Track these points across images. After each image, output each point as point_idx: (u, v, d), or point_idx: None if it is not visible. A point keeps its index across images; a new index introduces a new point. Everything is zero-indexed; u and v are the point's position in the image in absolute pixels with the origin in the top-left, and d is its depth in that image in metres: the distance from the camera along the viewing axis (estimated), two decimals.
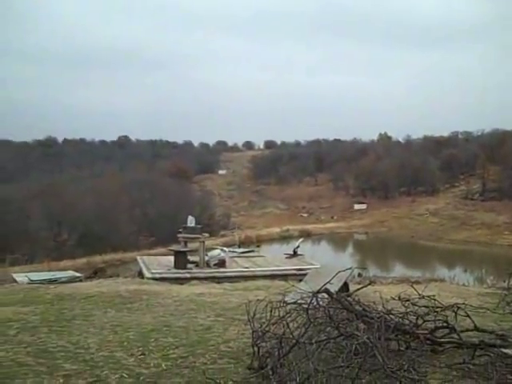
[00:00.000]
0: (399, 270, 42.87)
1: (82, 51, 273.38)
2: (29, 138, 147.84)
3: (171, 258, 20.52)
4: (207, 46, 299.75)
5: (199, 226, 21.56)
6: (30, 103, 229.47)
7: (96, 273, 17.99)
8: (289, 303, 5.95)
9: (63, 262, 39.61)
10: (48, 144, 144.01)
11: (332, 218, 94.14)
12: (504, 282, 14.33)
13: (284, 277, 16.89)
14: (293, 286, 8.23)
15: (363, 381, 4.89)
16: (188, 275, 18.27)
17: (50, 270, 22.88)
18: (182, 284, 14.79)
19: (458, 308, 6.55)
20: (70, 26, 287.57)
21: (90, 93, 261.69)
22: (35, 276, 17.04)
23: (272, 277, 16.93)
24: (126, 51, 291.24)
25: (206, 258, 20.37)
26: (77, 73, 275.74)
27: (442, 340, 6.28)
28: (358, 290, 7.31)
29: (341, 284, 8.92)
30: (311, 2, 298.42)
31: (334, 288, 7.18)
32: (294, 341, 5.26)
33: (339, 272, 7.78)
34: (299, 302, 5.90)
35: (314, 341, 5.12)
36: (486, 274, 28.03)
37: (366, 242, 76.62)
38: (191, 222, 21.02)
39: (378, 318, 5.76)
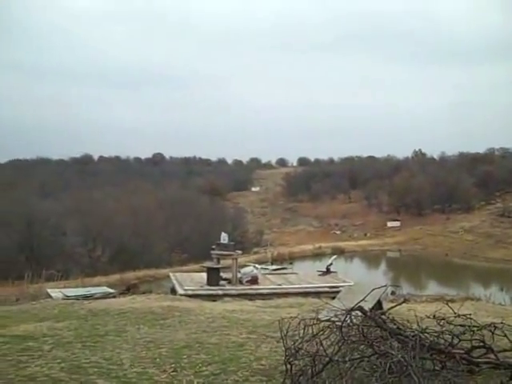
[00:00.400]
0: (433, 288, 42.27)
1: (107, 71, 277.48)
2: (66, 156, 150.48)
3: (204, 275, 20.57)
4: (238, 63, 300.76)
5: (232, 243, 21.58)
6: (65, 122, 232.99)
7: (129, 289, 18.05)
8: (322, 320, 5.90)
9: (97, 278, 39.93)
10: (84, 161, 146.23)
11: (365, 235, 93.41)
12: None
13: (317, 294, 16.80)
14: (326, 303, 8.15)
15: None
16: (220, 292, 18.28)
17: (83, 286, 23.07)
18: (214, 301, 14.81)
19: (496, 327, 6.41)
20: (100, 47, 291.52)
21: (122, 111, 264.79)
22: (70, 292, 17.22)
23: (305, 294, 16.83)
24: (153, 70, 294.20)
25: (239, 275, 20.37)
26: (108, 92, 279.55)
27: (479, 360, 6.14)
28: (392, 307, 7.22)
29: (374, 302, 8.81)
30: (343, 19, 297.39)
31: (367, 306, 7.10)
32: (327, 359, 5.21)
33: (374, 289, 7.69)
34: (333, 319, 5.84)
35: (347, 359, 5.06)
36: None
37: (400, 259, 75.80)
38: (224, 238, 21.04)
39: (413, 336, 5.67)
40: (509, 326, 6.76)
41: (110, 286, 25.10)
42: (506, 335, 6.46)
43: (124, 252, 52.90)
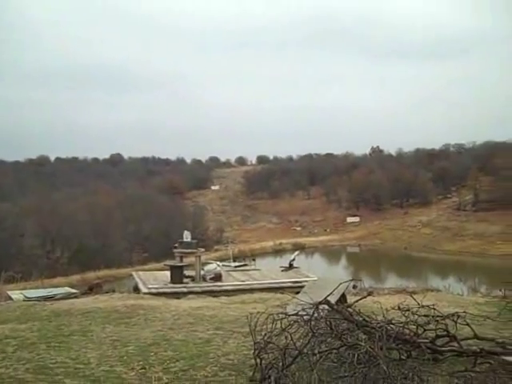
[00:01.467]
0: (393, 281, 42.80)
1: (74, 70, 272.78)
2: (21, 158, 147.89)
3: (167, 273, 20.48)
4: (196, 62, 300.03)
5: (195, 241, 21.53)
6: (20, 123, 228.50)
7: (92, 289, 17.84)
8: (290, 315, 5.95)
9: (57, 279, 39.46)
10: (41, 163, 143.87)
11: (325, 231, 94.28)
12: (500, 290, 14.41)
13: (280, 289, 16.87)
14: (293, 297, 8.23)
15: None
16: (185, 289, 18.23)
17: (44, 287, 22.72)
18: (178, 298, 14.74)
19: (459, 317, 6.56)
20: (61, 44, 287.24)
21: (81, 112, 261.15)
22: (31, 293, 16.93)
23: (268, 290, 16.89)
24: (115, 70, 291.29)
25: (202, 273, 20.34)
26: (68, 92, 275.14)
27: (443, 348, 6.28)
28: (358, 300, 7.30)
29: (339, 295, 8.92)
30: (309, 17, 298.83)
31: (332, 299, 7.18)
32: (296, 352, 5.26)
33: (341, 283, 7.80)
34: (300, 313, 5.90)
35: (316, 351, 5.12)
36: (479, 283, 28.00)
37: (359, 254, 76.70)
38: (187, 236, 20.99)
39: (379, 327, 5.76)
40: (471, 314, 6.93)
41: (70, 286, 24.73)
42: (468, 324, 6.62)
43: (84, 252, 52.39)
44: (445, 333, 6.38)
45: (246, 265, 34.01)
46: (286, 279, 20.59)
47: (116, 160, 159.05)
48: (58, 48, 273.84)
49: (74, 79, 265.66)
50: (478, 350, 6.08)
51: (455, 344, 6.30)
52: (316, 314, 5.78)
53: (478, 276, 38.93)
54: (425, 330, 6.42)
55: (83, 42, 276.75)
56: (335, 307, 6.24)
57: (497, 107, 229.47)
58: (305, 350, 5.19)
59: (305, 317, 5.81)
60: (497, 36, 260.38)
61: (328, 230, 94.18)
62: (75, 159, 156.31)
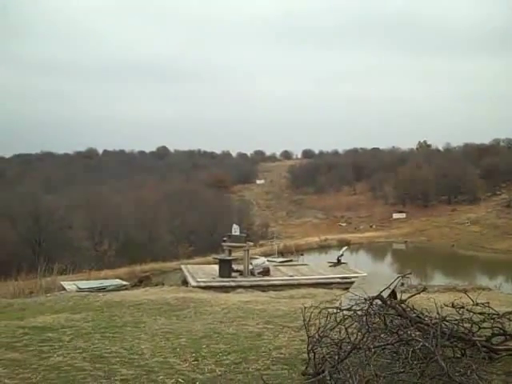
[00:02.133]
0: (440, 279, 42.25)
1: (115, 64, 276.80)
2: (70, 151, 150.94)
3: (215, 267, 20.65)
4: (243, 56, 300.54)
5: (244, 235, 21.64)
6: (70, 117, 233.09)
7: (141, 281, 18.17)
8: (343, 309, 5.94)
9: (104, 272, 39.97)
10: (89, 155, 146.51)
11: (371, 227, 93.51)
12: None
13: (329, 285, 16.88)
14: (346, 292, 8.20)
15: None
16: (233, 283, 18.36)
17: (94, 279, 23.18)
18: (227, 292, 14.87)
19: None
20: (103, 40, 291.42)
21: (127, 105, 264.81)
22: (83, 284, 17.35)
23: (317, 285, 16.88)
24: (159, 63, 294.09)
25: (251, 267, 20.41)
26: (113, 86, 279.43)
27: (499, 347, 6.19)
28: (411, 296, 7.25)
29: (389, 291, 8.86)
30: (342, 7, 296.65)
31: (384, 295, 7.14)
32: (350, 346, 5.25)
33: (398, 277, 7.79)
34: (354, 308, 5.89)
35: (372, 346, 5.10)
36: None
37: (406, 251, 75.83)
38: (236, 230, 21.05)
39: (433, 324, 5.71)
40: None
41: (118, 279, 25.19)
42: None
43: (130, 245, 53.05)
44: (501, 331, 6.29)
45: (291, 260, 34.03)
46: (335, 275, 20.55)
47: (162, 153, 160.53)
48: (92, 43, 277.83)
49: (122, 72, 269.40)
50: None
51: (511, 343, 6.21)
52: (370, 309, 5.76)
53: None
54: (480, 327, 6.33)
55: (123, 34, 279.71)
56: (388, 303, 6.21)
57: None
58: (360, 345, 5.18)
59: (358, 312, 5.80)
60: None
61: (374, 226, 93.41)
62: (122, 152, 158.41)
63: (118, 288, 16.12)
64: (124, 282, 18.21)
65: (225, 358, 6.66)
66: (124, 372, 6.12)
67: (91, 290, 15.26)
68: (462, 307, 6.56)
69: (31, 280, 19.07)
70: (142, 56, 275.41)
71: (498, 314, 6.47)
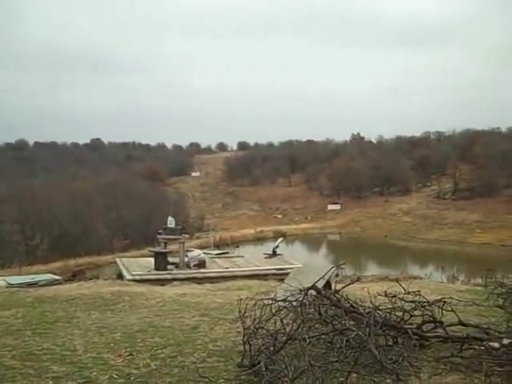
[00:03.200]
0: (374, 268, 42.99)
1: (52, 54, 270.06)
2: None
3: (151, 260, 20.44)
4: (179, 49, 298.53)
5: (179, 227, 21.47)
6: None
7: (75, 275, 17.81)
8: (278, 300, 5.97)
9: (36, 267, 39.08)
10: (19, 147, 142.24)
11: (306, 218, 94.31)
12: (481, 278, 14.59)
13: (264, 276, 16.97)
14: (281, 284, 8.25)
15: (355, 375, 4.94)
16: (169, 276, 18.22)
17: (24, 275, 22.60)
18: (163, 285, 14.75)
19: (445, 303, 6.64)
20: (39, 28, 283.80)
21: (62, 96, 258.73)
22: (14, 279, 16.86)
23: (252, 277, 16.92)
24: (96, 54, 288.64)
25: (186, 259, 20.29)
26: (47, 76, 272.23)
27: (429, 334, 6.36)
28: (345, 286, 7.36)
29: (324, 282, 8.96)
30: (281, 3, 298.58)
31: (318, 286, 7.22)
32: (286, 337, 5.28)
33: (332, 267, 7.89)
34: (289, 299, 5.92)
35: (306, 336, 5.14)
36: (458, 271, 28.32)
37: (340, 242, 76.94)
38: (171, 222, 20.88)
39: (367, 313, 5.82)
40: (457, 300, 7.01)
41: (51, 273, 24.65)
42: (453, 310, 6.70)
43: (64, 239, 51.87)
44: (431, 319, 6.46)
45: (227, 252, 34.00)
46: (270, 266, 20.63)
47: (96, 145, 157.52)
48: (30, 32, 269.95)
49: (52, 63, 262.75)
50: (464, 336, 6.16)
51: (441, 330, 6.39)
52: (305, 300, 5.81)
53: (457, 264, 39.46)
54: (411, 316, 6.51)
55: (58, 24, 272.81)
56: (323, 293, 6.28)
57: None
58: (295, 336, 5.21)
59: (293, 302, 5.84)
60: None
61: (309, 218, 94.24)
62: (54, 144, 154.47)
63: (51, 283, 15.74)
64: (57, 277, 17.79)
65: (160, 351, 6.61)
66: (56, 369, 5.99)
67: (22, 285, 14.84)
68: (395, 296, 6.71)
69: None
70: (73, 45, 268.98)
71: (428, 302, 6.64)
